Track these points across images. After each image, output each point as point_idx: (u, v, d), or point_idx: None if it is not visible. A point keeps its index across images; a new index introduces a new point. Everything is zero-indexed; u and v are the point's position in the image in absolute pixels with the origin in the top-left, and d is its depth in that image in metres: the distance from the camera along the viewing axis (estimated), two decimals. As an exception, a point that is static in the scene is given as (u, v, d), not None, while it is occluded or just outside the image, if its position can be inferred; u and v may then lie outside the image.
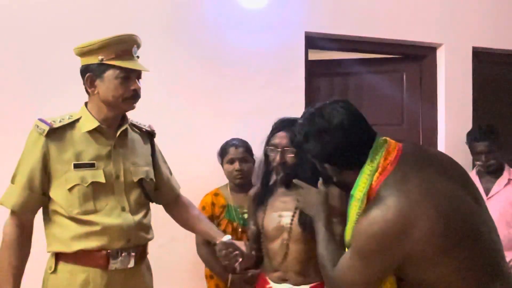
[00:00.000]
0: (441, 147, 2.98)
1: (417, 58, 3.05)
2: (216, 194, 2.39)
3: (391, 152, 1.24)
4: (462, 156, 2.94)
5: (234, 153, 2.32)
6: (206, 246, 2.26)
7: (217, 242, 1.76)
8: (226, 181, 2.41)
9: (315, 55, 2.97)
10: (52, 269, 1.53)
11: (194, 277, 2.47)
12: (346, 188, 1.33)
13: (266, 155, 1.91)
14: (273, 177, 1.94)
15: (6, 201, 1.52)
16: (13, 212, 1.53)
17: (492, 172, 2.60)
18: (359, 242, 1.19)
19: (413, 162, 1.23)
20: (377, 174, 1.22)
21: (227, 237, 1.75)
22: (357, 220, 1.23)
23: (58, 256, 1.54)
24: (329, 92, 3.10)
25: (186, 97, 2.55)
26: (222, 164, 2.39)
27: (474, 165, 2.81)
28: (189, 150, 2.50)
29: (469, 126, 2.93)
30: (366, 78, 3.07)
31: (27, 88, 2.34)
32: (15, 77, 2.33)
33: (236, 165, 2.31)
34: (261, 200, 1.93)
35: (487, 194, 2.58)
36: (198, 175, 2.46)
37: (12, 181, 1.54)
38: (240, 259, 1.73)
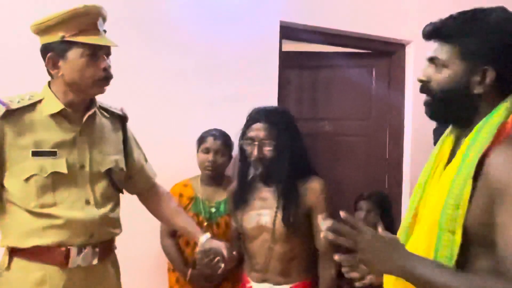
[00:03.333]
0: (407, 142, 3.04)
1: (386, 54, 3.09)
2: (185, 185, 2.30)
3: None
4: (426, 151, 3.01)
5: (211, 143, 2.24)
6: (171, 237, 2.18)
7: (196, 241, 1.64)
8: (197, 171, 2.32)
9: (285, 46, 2.93)
10: (5, 265, 1.38)
11: (155, 272, 2.38)
12: (468, 117, 1.05)
13: (241, 149, 1.81)
14: (251, 172, 1.84)
15: None
16: None
17: None
18: None
19: None
20: None
21: (206, 236, 1.64)
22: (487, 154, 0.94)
23: (12, 252, 1.38)
24: (299, 84, 3.10)
25: (157, 84, 2.45)
26: (197, 151, 2.30)
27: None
28: (159, 138, 2.38)
29: (433, 124, 3.00)
30: (336, 72, 3.07)
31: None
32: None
33: (210, 156, 2.22)
34: (240, 198, 1.83)
35: None
36: (167, 164, 2.36)
37: None
38: (222, 265, 1.60)
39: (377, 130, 3.11)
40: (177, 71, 2.50)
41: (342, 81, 3.08)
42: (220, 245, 1.61)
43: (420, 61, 3.37)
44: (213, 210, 2.22)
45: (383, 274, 1.04)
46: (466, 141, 1.01)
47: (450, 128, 1.14)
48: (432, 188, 1.07)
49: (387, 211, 2.30)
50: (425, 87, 1.11)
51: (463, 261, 0.95)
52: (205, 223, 2.20)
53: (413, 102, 3.01)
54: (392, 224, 2.35)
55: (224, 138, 2.26)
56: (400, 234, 1.11)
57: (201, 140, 2.28)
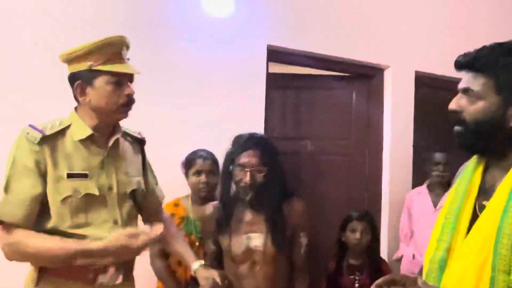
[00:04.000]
0: (386, 161, 3.17)
1: (366, 77, 3.23)
2: (176, 204, 2.30)
3: None
4: (404, 170, 3.16)
5: (201, 165, 2.25)
6: (161, 259, 2.18)
7: (189, 267, 1.68)
8: (185, 191, 2.33)
9: (271, 68, 2.99)
10: (35, 282, 1.41)
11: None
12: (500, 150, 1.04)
13: (228, 173, 1.85)
14: (231, 193, 1.86)
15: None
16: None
17: (444, 185, 2.74)
18: None
19: None
20: None
21: (199, 263, 1.67)
22: None
23: (42, 269, 1.41)
24: (283, 104, 3.22)
25: (144, 104, 2.35)
26: (186, 174, 2.30)
27: (427, 178, 2.94)
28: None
29: (410, 145, 3.16)
30: (318, 93, 3.20)
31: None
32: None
33: (203, 177, 2.24)
34: (224, 221, 1.86)
35: (435, 206, 2.76)
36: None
37: (5, 191, 1.38)
38: None
39: (357, 150, 3.23)
40: (165, 91, 2.54)
41: (324, 102, 3.21)
42: (214, 275, 1.64)
43: (397, 85, 3.53)
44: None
45: None
46: (509, 176, 1.00)
47: (476, 159, 1.12)
48: (465, 222, 1.06)
49: (376, 231, 2.41)
50: (457, 117, 1.07)
51: None
52: (197, 243, 2.21)
53: (391, 123, 3.16)
54: (379, 243, 2.45)
55: (212, 157, 2.28)
56: (433, 266, 1.09)
57: (191, 162, 2.28)
